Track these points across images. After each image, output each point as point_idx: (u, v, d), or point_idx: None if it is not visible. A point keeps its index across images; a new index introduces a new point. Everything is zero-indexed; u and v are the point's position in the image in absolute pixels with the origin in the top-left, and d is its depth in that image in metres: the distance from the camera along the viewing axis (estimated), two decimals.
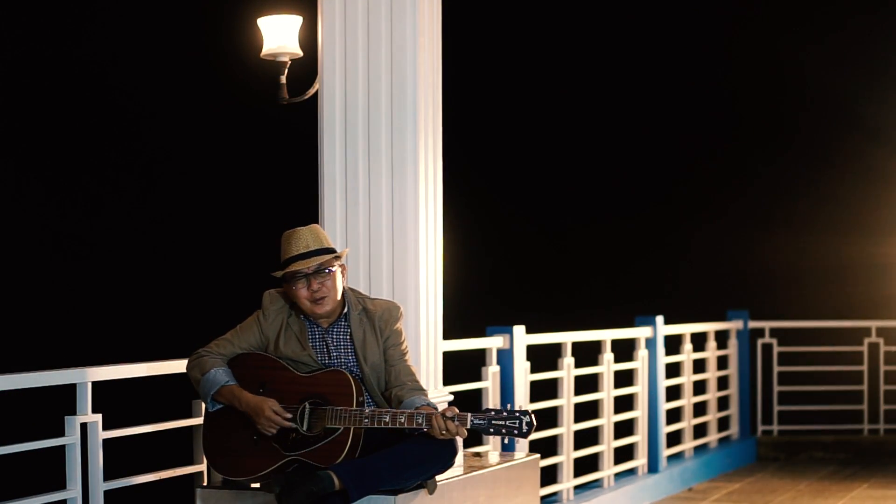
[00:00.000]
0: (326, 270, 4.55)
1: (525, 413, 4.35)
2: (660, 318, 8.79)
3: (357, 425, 4.37)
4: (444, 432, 4.33)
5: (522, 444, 6.89)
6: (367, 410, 4.38)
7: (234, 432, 4.54)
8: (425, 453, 4.44)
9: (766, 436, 10.58)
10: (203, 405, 4.80)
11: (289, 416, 4.43)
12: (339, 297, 4.60)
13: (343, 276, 4.64)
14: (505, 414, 4.35)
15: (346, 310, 4.64)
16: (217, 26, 14.22)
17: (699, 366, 9.77)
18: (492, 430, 4.35)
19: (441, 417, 4.33)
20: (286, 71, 5.89)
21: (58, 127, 15.66)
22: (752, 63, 14.81)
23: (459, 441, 5.10)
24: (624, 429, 8.35)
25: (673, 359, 9.21)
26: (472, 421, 4.35)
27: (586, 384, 7.86)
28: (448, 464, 4.53)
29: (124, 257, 15.61)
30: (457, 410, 4.37)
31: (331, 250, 4.59)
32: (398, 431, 4.49)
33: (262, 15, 5.87)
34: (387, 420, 4.35)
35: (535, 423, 4.34)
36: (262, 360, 4.59)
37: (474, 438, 6.58)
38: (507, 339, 6.98)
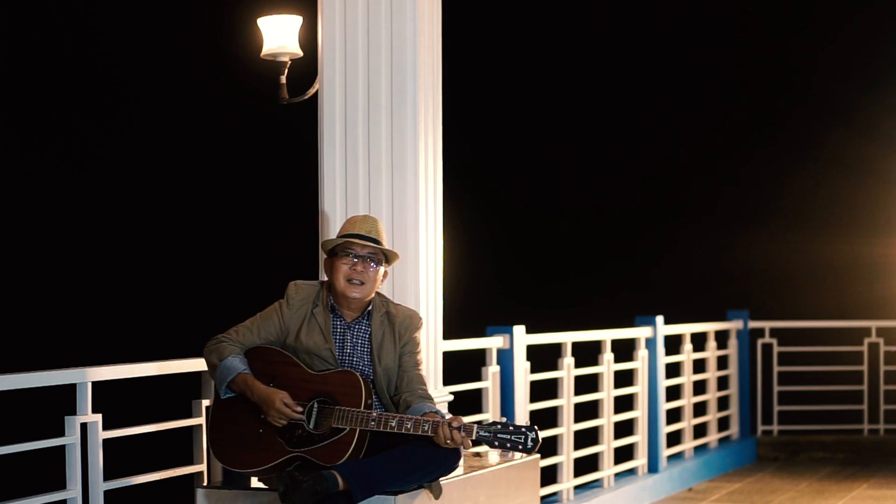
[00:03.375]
0: (374, 264, 4.60)
1: (531, 429, 4.39)
2: (660, 318, 8.79)
3: (363, 427, 4.38)
4: (448, 441, 4.36)
5: None
6: (374, 413, 4.39)
7: (240, 424, 4.54)
8: (429, 456, 4.45)
9: (766, 436, 10.58)
10: (202, 404, 4.80)
11: (300, 409, 4.44)
12: (371, 293, 4.65)
13: (382, 280, 4.69)
14: (511, 428, 4.39)
15: (370, 309, 4.68)
16: (217, 26, 14.22)
17: (699, 366, 9.77)
18: (496, 443, 4.39)
19: (447, 427, 4.36)
20: (286, 71, 5.89)
21: (57, 126, 15.66)
22: (759, 61, 14.81)
23: None
24: (624, 429, 8.35)
25: (673, 359, 9.21)
26: (477, 433, 4.39)
27: (586, 384, 7.85)
28: (451, 467, 4.56)
29: (124, 257, 15.61)
30: (463, 421, 4.41)
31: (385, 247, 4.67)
32: (402, 434, 4.51)
33: (262, 15, 5.87)
34: (393, 425, 4.38)
35: (540, 441, 4.38)
36: (274, 355, 4.60)
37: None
38: (507, 339, 6.98)
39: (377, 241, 4.62)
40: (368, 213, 5.14)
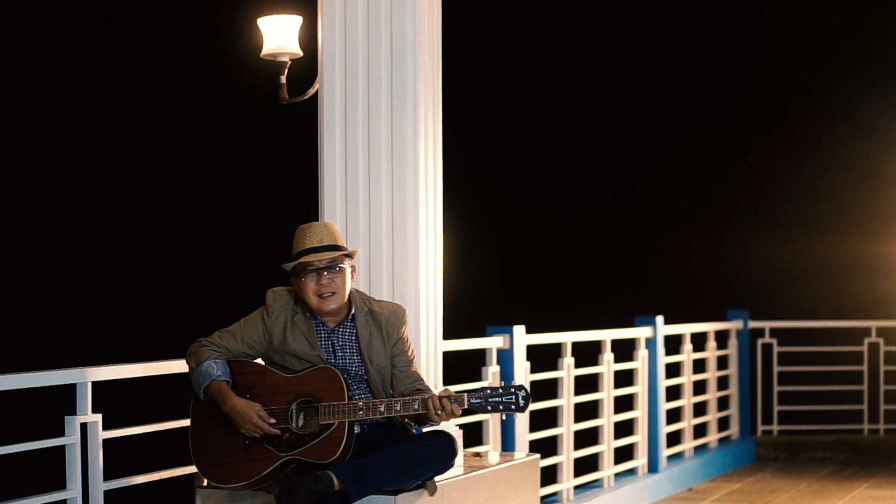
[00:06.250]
0: (337, 267, 4.53)
1: (520, 388, 4.37)
2: (660, 318, 8.79)
3: (352, 418, 4.36)
4: (440, 412, 4.34)
5: (522, 444, 6.90)
6: (360, 402, 4.37)
7: (223, 439, 4.48)
8: (425, 454, 4.44)
9: (766, 436, 10.58)
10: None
11: (273, 421, 4.41)
12: (346, 296, 4.57)
13: (352, 277, 4.62)
14: (500, 391, 4.37)
15: (352, 311, 4.63)
16: (217, 26, 14.22)
17: (699, 366, 9.77)
18: (489, 407, 4.36)
19: (437, 399, 4.34)
20: (286, 71, 5.89)
21: (56, 125, 15.66)
22: (760, 62, 14.81)
23: (459, 441, 5.10)
24: (624, 429, 8.35)
25: (673, 359, 9.21)
26: (469, 401, 4.36)
27: (586, 384, 7.86)
28: (448, 464, 4.53)
29: (124, 257, 15.61)
30: (452, 391, 4.39)
31: (343, 248, 4.58)
32: (398, 433, 4.50)
33: (262, 15, 5.87)
34: (382, 409, 4.36)
35: (531, 396, 4.36)
36: (245, 366, 4.54)
37: (475, 436, 6.58)
38: (507, 339, 6.98)
39: (332, 247, 4.53)
40: (368, 214, 5.14)
